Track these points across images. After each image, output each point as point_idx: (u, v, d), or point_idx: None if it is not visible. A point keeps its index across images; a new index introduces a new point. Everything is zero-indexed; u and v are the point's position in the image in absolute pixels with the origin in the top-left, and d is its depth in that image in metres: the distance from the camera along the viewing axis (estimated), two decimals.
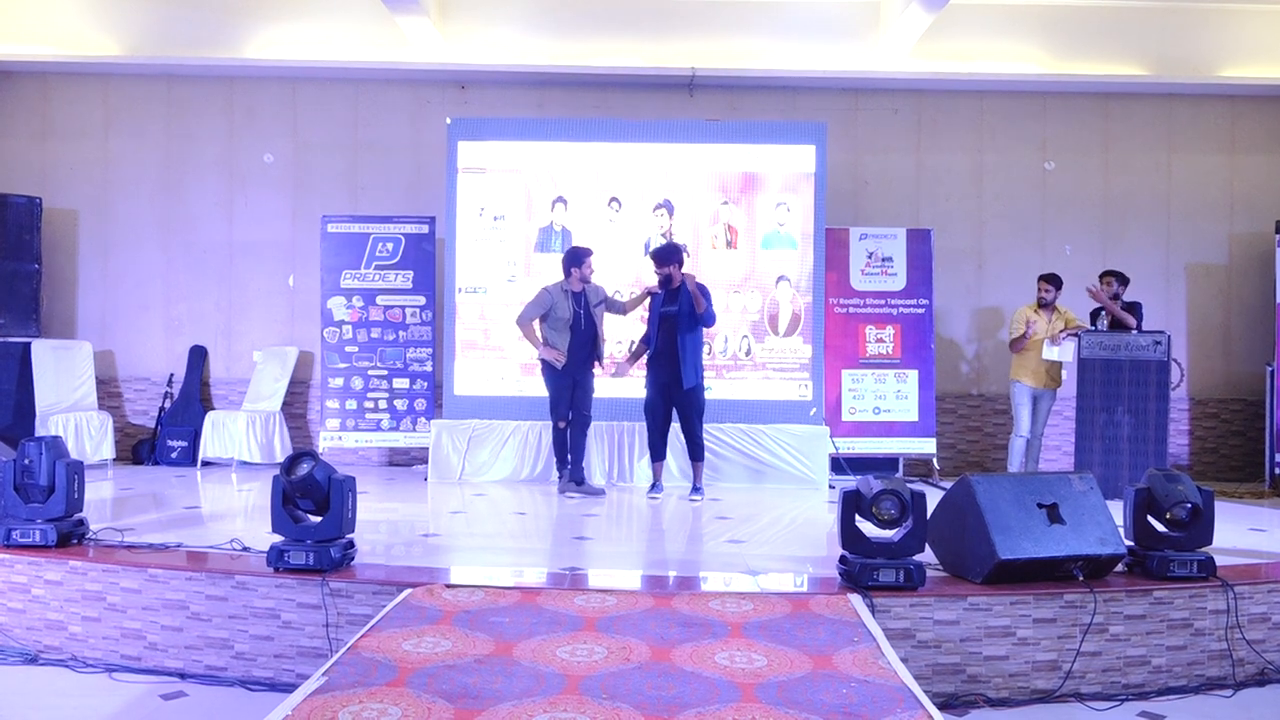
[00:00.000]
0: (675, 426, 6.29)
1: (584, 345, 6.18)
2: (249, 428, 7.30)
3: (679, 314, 6.00)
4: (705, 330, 6.25)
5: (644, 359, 6.23)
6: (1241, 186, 8.02)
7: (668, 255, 6.08)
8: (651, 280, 6.21)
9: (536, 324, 6.16)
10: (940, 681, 3.52)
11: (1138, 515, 3.90)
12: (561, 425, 6.20)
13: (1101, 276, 6.80)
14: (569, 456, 6.23)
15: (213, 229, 8.04)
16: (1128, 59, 7.72)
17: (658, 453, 6.23)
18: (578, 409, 6.19)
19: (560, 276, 6.27)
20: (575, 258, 6.20)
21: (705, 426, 6.27)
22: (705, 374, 6.33)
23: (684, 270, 6.12)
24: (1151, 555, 3.79)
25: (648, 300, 6.30)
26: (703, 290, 6.03)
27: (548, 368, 6.16)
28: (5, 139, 8.02)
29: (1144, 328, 6.58)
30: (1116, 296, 6.71)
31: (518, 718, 2.48)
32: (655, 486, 6.23)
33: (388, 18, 7.16)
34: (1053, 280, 6.77)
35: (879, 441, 7.35)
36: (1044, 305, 6.74)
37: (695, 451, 6.19)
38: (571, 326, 6.12)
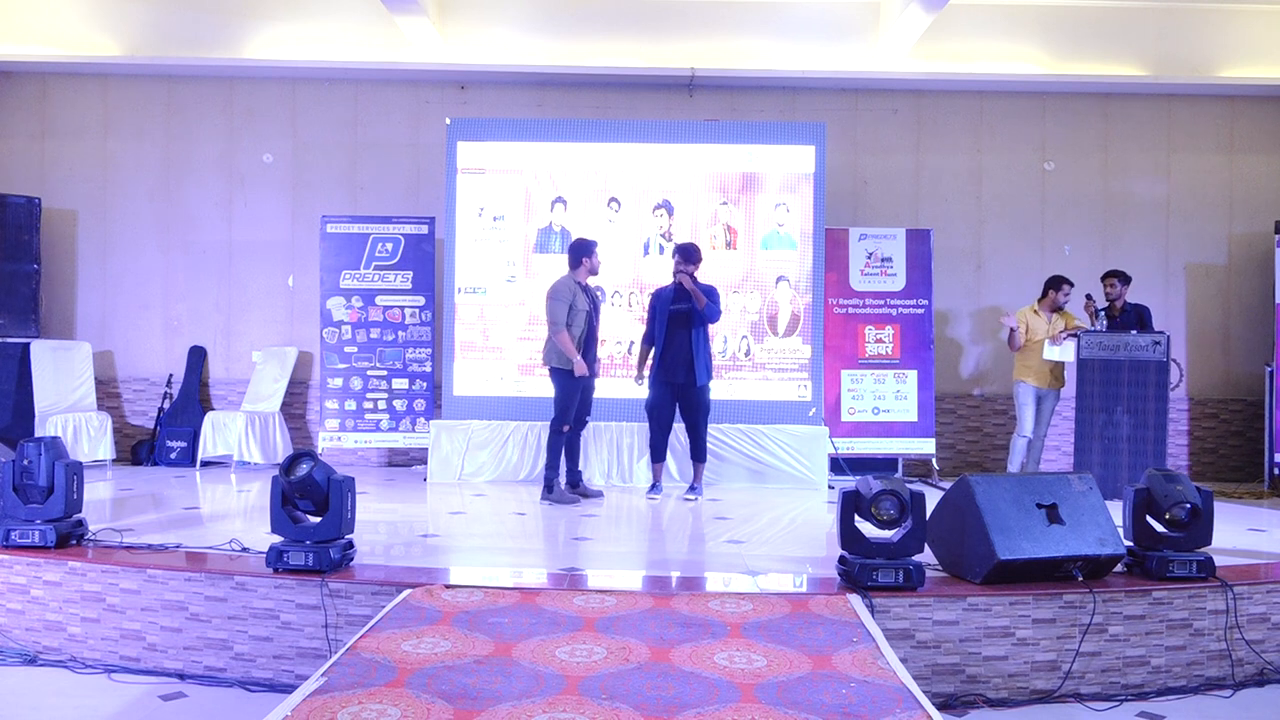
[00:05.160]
0: (677, 427, 6.27)
1: (593, 344, 6.05)
2: (248, 428, 7.29)
3: (692, 310, 5.95)
4: (708, 329, 6.20)
5: (650, 359, 6.12)
6: (1241, 187, 8.02)
7: (697, 254, 6.06)
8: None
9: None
10: (940, 682, 3.52)
11: (1137, 515, 3.90)
12: (566, 430, 6.05)
13: (1104, 278, 6.81)
14: (566, 462, 6.12)
15: (212, 229, 8.04)
16: (1127, 59, 7.73)
17: (659, 453, 6.21)
18: (580, 414, 6.11)
19: (562, 273, 6.18)
20: (585, 247, 5.98)
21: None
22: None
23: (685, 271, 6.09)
24: (1151, 555, 3.79)
25: (646, 299, 6.23)
26: (709, 291, 5.99)
27: (561, 372, 5.92)
28: (4, 139, 8.01)
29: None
30: (1118, 298, 6.73)
31: (517, 718, 2.48)
32: (655, 487, 6.22)
33: (387, 18, 7.16)
34: (1069, 281, 6.79)
35: (878, 442, 7.35)
36: (1059, 309, 6.75)
37: (698, 452, 6.18)
38: (586, 323, 5.94)
